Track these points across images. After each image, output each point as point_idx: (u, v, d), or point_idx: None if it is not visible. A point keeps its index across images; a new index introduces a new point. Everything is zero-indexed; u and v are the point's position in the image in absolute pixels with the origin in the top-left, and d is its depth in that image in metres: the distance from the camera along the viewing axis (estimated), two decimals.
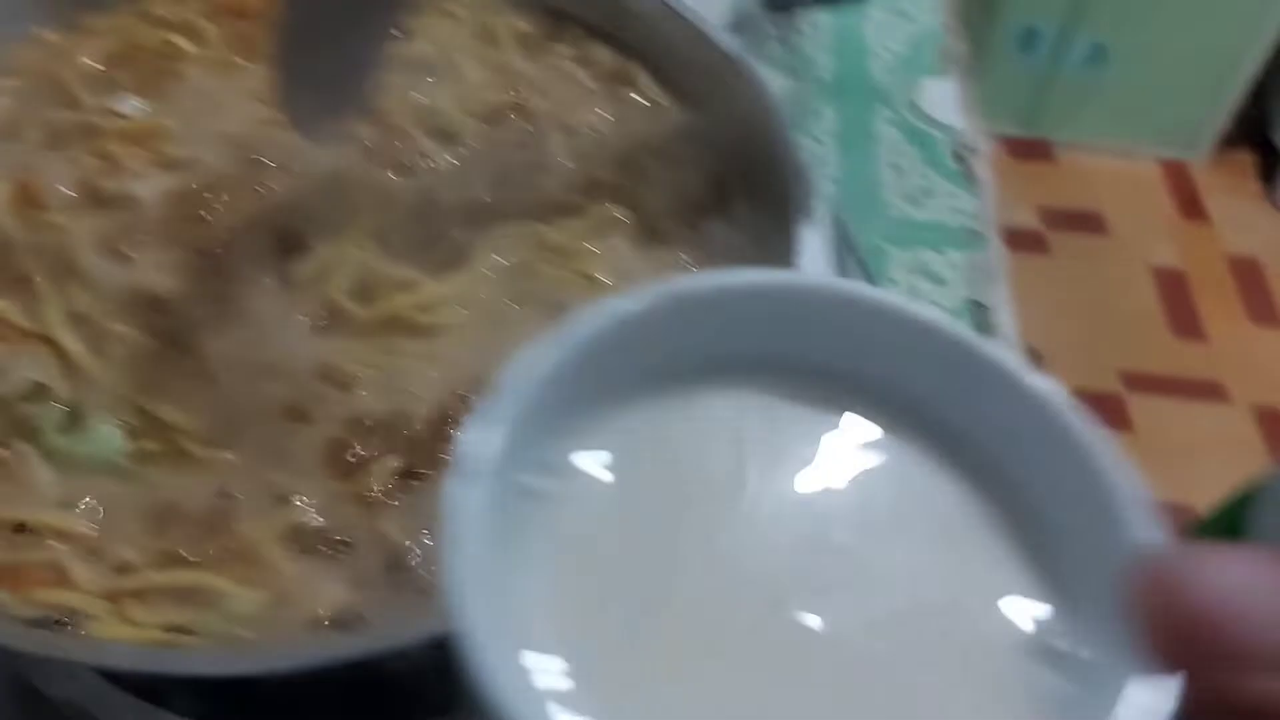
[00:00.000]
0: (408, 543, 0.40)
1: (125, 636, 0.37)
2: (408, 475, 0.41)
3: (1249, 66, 1.70)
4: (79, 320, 0.43)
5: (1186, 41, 1.67)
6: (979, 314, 0.62)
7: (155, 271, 0.43)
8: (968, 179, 0.67)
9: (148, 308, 0.43)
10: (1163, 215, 1.75)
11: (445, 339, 0.44)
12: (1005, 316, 0.63)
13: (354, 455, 0.41)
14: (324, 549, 0.40)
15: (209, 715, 0.44)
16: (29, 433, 0.40)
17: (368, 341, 0.43)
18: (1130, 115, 1.77)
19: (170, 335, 0.43)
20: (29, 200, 0.45)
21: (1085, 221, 1.72)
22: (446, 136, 0.50)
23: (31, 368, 0.42)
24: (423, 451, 0.42)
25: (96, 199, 0.46)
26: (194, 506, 0.40)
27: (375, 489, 0.40)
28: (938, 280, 0.63)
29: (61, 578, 0.38)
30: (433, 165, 0.49)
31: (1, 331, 0.43)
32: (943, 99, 0.72)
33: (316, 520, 0.40)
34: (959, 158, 0.68)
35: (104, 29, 0.52)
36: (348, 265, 0.45)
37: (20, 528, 0.39)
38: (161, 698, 0.45)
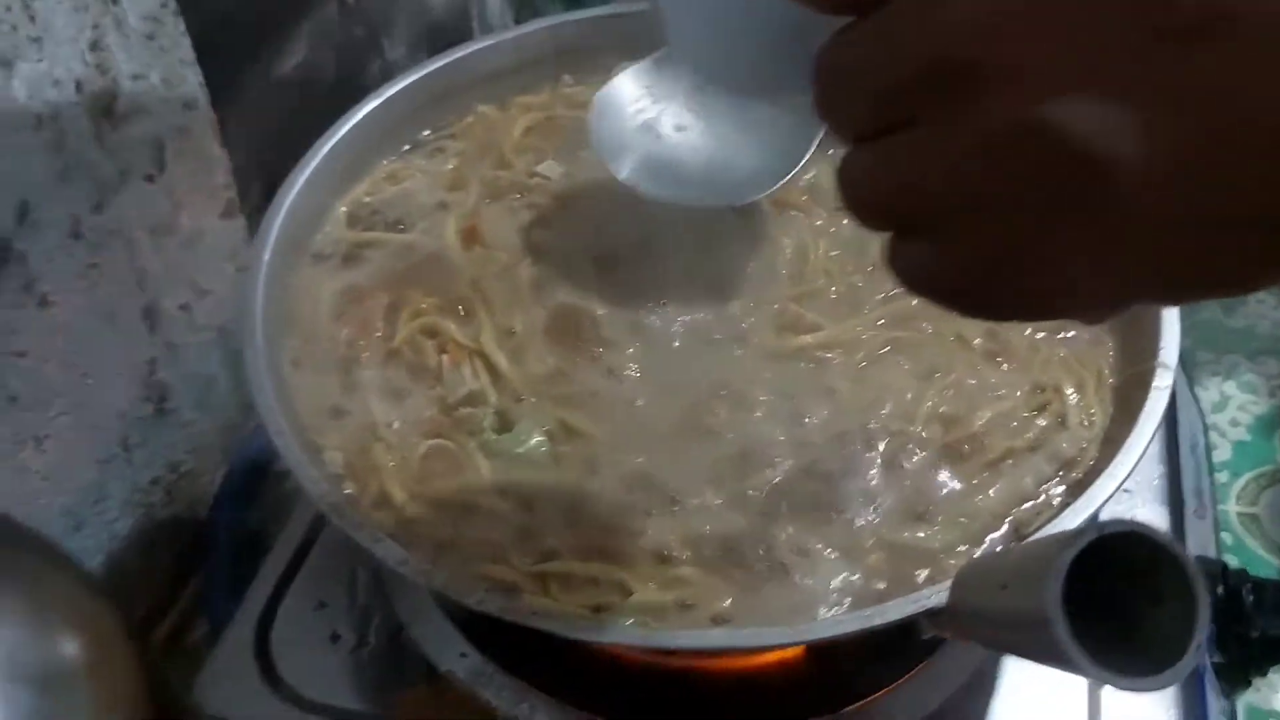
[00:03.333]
0: (793, 557, 0.43)
1: (552, 609, 0.41)
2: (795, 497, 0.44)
3: None
4: (509, 337, 0.49)
5: None
6: None
7: (578, 298, 0.50)
8: None
9: (570, 328, 0.49)
10: None
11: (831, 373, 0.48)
12: None
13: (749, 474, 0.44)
14: (717, 556, 0.43)
15: (579, 699, 0.48)
16: (470, 431, 0.47)
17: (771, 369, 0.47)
18: None
19: (585, 352, 0.49)
20: (473, 239, 0.53)
21: None
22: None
23: (469, 378, 0.49)
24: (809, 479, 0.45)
25: (528, 244, 0.53)
26: (603, 506, 0.44)
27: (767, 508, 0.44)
28: None
29: (499, 555, 0.43)
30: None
31: (447, 347, 0.50)
32: None
33: (712, 529, 0.43)
34: None
35: (531, 105, 0.60)
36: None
37: (466, 508, 0.44)
38: (535, 677, 0.49)
